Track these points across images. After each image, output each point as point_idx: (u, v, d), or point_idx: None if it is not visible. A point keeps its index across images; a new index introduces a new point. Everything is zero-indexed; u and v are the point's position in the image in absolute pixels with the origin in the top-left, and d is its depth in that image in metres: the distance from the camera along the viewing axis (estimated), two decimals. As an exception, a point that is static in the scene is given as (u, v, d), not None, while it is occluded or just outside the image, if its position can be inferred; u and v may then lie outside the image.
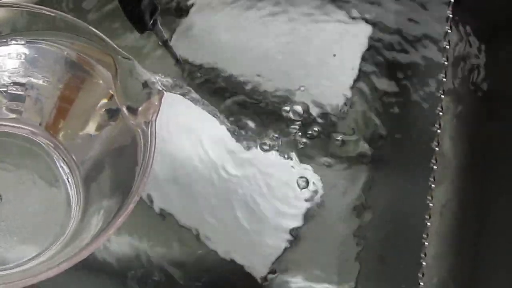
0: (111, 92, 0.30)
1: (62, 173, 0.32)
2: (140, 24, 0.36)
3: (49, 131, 0.32)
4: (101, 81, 0.31)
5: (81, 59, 0.31)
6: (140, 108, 0.28)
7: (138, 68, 0.29)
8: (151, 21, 0.36)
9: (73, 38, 0.30)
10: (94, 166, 0.31)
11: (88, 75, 0.31)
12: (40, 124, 0.32)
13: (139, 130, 0.29)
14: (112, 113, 0.31)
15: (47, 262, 0.28)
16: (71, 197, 0.31)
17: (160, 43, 0.39)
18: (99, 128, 0.31)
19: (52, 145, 0.32)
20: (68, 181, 0.31)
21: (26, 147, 0.32)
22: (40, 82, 0.31)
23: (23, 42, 0.30)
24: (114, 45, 0.30)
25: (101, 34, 0.30)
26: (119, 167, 0.30)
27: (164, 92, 0.29)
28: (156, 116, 0.28)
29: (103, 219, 0.29)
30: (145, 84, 0.29)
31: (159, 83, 0.29)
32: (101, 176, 0.31)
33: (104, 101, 0.31)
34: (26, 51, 0.31)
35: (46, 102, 0.31)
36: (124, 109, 0.29)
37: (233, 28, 0.42)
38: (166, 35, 0.38)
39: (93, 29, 0.30)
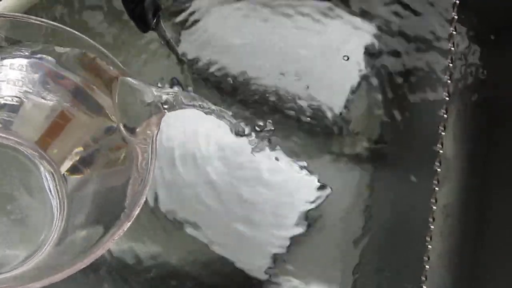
0: (111, 116, 0.30)
1: (46, 185, 0.31)
2: (142, 23, 0.36)
3: (39, 145, 0.31)
4: (100, 104, 0.30)
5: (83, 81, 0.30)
6: (138, 129, 0.28)
7: (140, 84, 0.29)
8: (154, 21, 0.36)
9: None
10: (82, 181, 0.31)
11: (87, 97, 0.31)
12: (30, 137, 0.31)
13: (136, 147, 0.28)
14: (109, 138, 0.31)
15: (38, 269, 0.27)
16: (53, 208, 0.31)
17: (163, 42, 0.39)
18: (92, 150, 0.31)
19: (38, 155, 0.31)
20: (51, 193, 0.31)
21: (12, 155, 0.32)
22: (37, 97, 0.31)
23: (27, 54, 0.30)
24: (116, 61, 0.29)
25: (103, 49, 0.29)
26: (109, 181, 0.30)
27: (166, 113, 0.29)
28: (156, 135, 0.28)
29: (91, 228, 0.28)
30: (146, 103, 0.28)
31: (162, 98, 0.29)
32: (88, 189, 0.30)
33: (102, 125, 0.31)
34: (28, 64, 0.30)
35: (40, 117, 0.31)
36: (122, 127, 0.28)
37: (238, 27, 0.42)
38: (169, 35, 0.38)
39: (96, 44, 0.29)
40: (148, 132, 0.28)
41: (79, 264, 0.25)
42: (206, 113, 0.33)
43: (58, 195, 0.31)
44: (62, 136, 0.31)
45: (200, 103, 0.31)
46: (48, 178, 0.31)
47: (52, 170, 0.31)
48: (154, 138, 0.28)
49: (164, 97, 0.29)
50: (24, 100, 0.30)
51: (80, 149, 0.31)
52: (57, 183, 0.31)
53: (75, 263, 0.24)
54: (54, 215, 0.30)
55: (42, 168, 0.31)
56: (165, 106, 0.29)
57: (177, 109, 0.29)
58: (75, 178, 0.31)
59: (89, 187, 0.30)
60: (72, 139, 0.31)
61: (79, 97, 0.30)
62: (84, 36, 0.29)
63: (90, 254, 0.25)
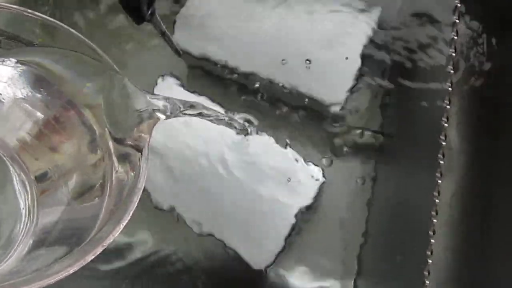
0: (95, 131, 0.29)
1: (16, 185, 0.30)
2: (137, 15, 0.35)
3: (14, 148, 0.30)
4: (87, 117, 0.29)
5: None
6: (128, 139, 0.27)
7: (131, 87, 0.28)
8: (149, 12, 0.35)
9: (66, 54, 0.29)
10: (54, 192, 0.30)
11: (75, 108, 0.29)
12: (5, 138, 0.30)
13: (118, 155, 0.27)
14: (90, 154, 0.30)
15: (10, 274, 0.27)
16: (21, 209, 0.30)
17: (159, 34, 0.38)
18: (70, 163, 0.30)
19: (10, 157, 0.30)
20: (21, 196, 0.30)
21: None
22: (21, 99, 0.30)
23: (15, 61, 0.29)
24: (110, 61, 0.28)
25: (97, 48, 0.28)
26: (84, 196, 0.29)
27: (160, 119, 0.28)
28: (149, 142, 0.27)
29: (65, 233, 0.27)
30: (137, 109, 0.27)
31: (156, 106, 0.28)
32: (61, 200, 0.29)
33: (86, 140, 0.30)
34: (17, 65, 0.29)
35: (20, 120, 0.30)
36: (107, 134, 0.27)
37: (234, 18, 0.41)
38: (164, 26, 0.37)
39: (91, 43, 0.28)
40: (139, 142, 0.27)
41: (79, 261, 0.24)
42: (210, 121, 0.32)
43: (28, 199, 0.30)
44: (41, 144, 0.30)
45: (200, 111, 0.30)
46: (19, 182, 0.30)
47: (23, 175, 0.30)
48: (146, 144, 0.27)
49: (159, 104, 0.28)
50: (4, 100, 0.29)
51: (58, 160, 0.30)
52: (27, 189, 0.30)
53: (59, 268, 0.23)
54: (22, 218, 0.29)
55: (13, 170, 0.30)
56: (159, 114, 0.28)
57: (172, 117, 0.28)
58: (46, 188, 0.30)
59: (62, 199, 0.29)
60: (51, 149, 0.30)
61: (67, 107, 0.30)
62: (78, 34, 0.28)
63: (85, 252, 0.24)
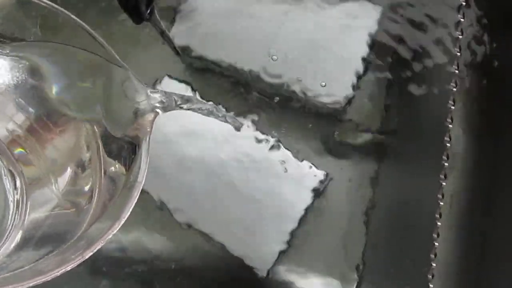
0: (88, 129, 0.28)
1: (4, 178, 0.30)
2: (136, 14, 0.35)
3: (3, 138, 0.29)
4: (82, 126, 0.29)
5: None
6: (127, 133, 0.27)
7: (135, 81, 0.28)
8: (148, 11, 0.35)
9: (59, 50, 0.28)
10: (43, 186, 0.30)
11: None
12: None
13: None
14: (83, 154, 0.29)
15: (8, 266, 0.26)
16: (10, 203, 0.29)
17: (158, 33, 0.38)
18: (61, 161, 0.30)
19: None
20: (9, 188, 0.30)
21: None
22: (14, 91, 0.29)
23: (9, 50, 0.28)
24: (113, 52, 0.28)
25: (100, 38, 0.28)
26: (74, 192, 0.29)
27: (159, 113, 0.28)
28: (150, 136, 0.27)
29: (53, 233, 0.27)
30: (136, 102, 0.27)
31: (157, 99, 0.27)
32: (49, 195, 0.29)
33: (80, 137, 0.29)
34: (11, 58, 0.29)
35: (10, 112, 0.29)
36: (99, 131, 0.27)
37: (235, 17, 0.41)
38: (163, 26, 0.37)
39: (94, 32, 0.28)
40: (138, 136, 0.27)
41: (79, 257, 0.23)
42: (204, 114, 0.32)
43: (17, 193, 0.29)
44: (32, 138, 0.30)
45: (196, 105, 0.30)
46: (7, 174, 0.29)
47: (12, 167, 0.29)
48: (147, 138, 0.27)
49: (156, 97, 0.28)
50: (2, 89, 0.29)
51: (48, 155, 0.29)
52: (16, 182, 0.29)
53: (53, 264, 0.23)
54: (10, 212, 0.29)
55: (1, 163, 0.30)
56: (158, 106, 0.28)
57: (169, 110, 0.28)
58: (35, 183, 0.29)
59: (51, 194, 0.29)
60: (42, 144, 0.30)
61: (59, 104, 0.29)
62: (80, 21, 0.28)
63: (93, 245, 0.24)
